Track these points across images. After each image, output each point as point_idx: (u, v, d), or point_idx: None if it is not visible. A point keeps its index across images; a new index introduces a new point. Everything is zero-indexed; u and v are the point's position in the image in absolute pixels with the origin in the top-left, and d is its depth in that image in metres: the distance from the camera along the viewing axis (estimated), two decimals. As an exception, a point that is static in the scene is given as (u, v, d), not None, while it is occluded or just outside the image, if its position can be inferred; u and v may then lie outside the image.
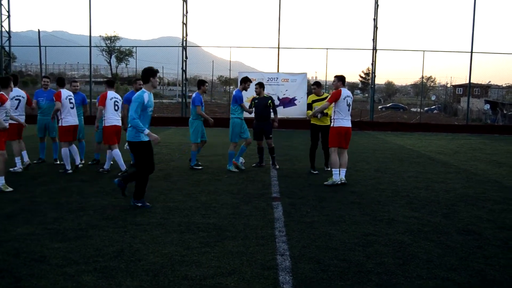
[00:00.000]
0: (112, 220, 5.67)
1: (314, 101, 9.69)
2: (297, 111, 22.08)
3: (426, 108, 57.05)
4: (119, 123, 8.90)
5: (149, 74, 6.29)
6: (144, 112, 6.17)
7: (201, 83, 9.84)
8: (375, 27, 23.28)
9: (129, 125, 6.13)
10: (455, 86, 71.59)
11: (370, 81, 26.20)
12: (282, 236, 5.17)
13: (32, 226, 5.35)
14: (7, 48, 25.08)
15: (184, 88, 25.21)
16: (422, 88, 42.41)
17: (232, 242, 4.92)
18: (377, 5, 23.24)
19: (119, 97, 9.05)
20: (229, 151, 9.57)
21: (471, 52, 23.05)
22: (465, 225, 5.81)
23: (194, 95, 9.75)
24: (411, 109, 60.45)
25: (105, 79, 9.70)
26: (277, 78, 21.88)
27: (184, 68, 24.29)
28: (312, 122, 9.75)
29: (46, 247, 4.63)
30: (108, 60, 72.39)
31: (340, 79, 8.19)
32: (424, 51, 23.95)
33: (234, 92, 9.59)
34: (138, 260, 4.34)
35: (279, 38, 23.82)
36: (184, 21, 23.80)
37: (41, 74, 28.86)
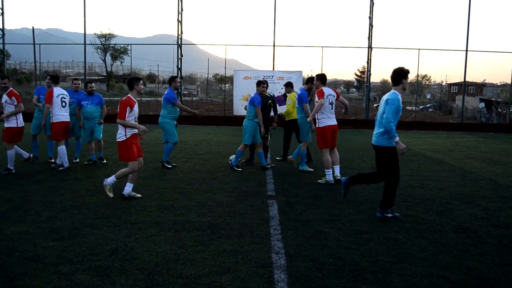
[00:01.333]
0: (106, 218, 5.65)
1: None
2: (292, 109, 22.06)
3: (421, 107, 57.22)
4: (67, 119, 8.92)
5: (401, 75, 5.83)
6: (397, 115, 5.83)
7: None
8: (371, 25, 23.29)
9: (381, 129, 5.83)
10: (450, 85, 71.77)
11: (365, 79, 26.22)
12: (277, 234, 5.16)
13: (26, 225, 5.32)
14: (1, 46, 24.92)
15: (179, 86, 25.13)
16: (417, 86, 42.51)
17: (227, 241, 4.91)
18: (373, 3, 23.24)
19: (66, 93, 9.03)
20: (301, 151, 9.50)
21: (466, 50, 23.09)
22: (460, 223, 5.82)
23: (253, 95, 9.42)
24: (406, 108, 60.45)
25: (51, 75, 9.42)
26: (273, 76, 21.83)
27: (179, 66, 24.22)
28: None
29: (40, 246, 4.60)
30: (103, 58, 72.17)
31: (319, 78, 8.20)
32: (419, 49, 23.93)
33: (299, 91, 9.43)
34: (132, 258, 4.32)
35: (274, 36, 23.69)
36: (179, 19, 23.72)
37: (35, 72, 28.71)
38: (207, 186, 7.77)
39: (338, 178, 8.09)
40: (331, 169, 8.11)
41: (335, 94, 8.24)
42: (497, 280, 4.07)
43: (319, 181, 8.12)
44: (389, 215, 5.95)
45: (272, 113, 9.81)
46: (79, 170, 8.94)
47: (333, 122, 8.12)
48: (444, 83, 75.77)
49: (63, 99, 8.80)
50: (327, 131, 8.03)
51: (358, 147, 14.21)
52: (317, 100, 8.00)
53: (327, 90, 8.06)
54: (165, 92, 9.64)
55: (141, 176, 8.43)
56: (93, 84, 10.07)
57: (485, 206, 6.80)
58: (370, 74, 24.22)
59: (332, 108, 8.12)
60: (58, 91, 8.78)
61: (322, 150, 8.15)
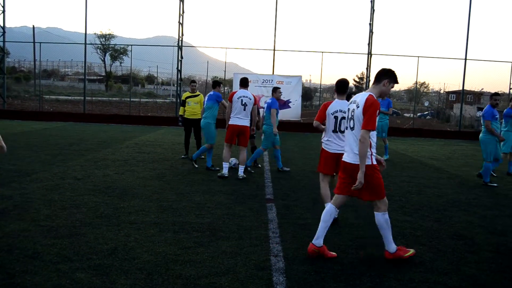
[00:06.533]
0: (105, 218, 5.66)
1: (188, 97, 11.20)
2: (291, 113, 22.10)
3: (419, 114, 57.42)
4: None
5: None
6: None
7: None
8: (371, 31, 23.39)
9: None
10: (448, 93, 72.11)
11: (364, 85, 26.30)
12: (276, 237, 5.19)
13: (25, 222, 5.33)
14: (1, 44, 24.90)
15: (178, 88, 25.15)
16: (416, 93, 42.66)
17: (226, 242, 4.93)
18: (373, 10, 23.35)
19: None
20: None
21: (465, 59, 23.21)
22: (457, 230, 5.86)
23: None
24: (404, 114, 60.80)
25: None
26: (272, 80, 21.89)
27: (179, 68, 24.25)
28: (185, 116, 11.24)
29: (40, 244, 4.61)
30: (102, 58, 72.17)
31: (241, 81, 9.03)
32: (418, 57, 24.08)
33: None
34: (132, 258, 4.34)
35: (275, 40, 23.81)
36: (180, 21, 23.76)
37: (34, 71, 28.67)
38: (206, 187, 7.79)
39: (241, 177, 8.69)
40: (227, 164, 8.92)
41: (250, 97, 8.85)
42: (493, 287, 4.10)
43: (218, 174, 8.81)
44: None
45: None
46: (78, 169, 8.94)
47: (242, 122, 8.74)
48: (442, 91, 76.13)
49: None
50: (234, 129, 8.73)
51: (356, 152, 14.21)
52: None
53: (239, 92, 8.77)
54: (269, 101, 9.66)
55: (139, 177, 8.45)
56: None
57: (482, 213, 6.84)
58: (369, 80, 24.29)
59: (244, 110, 8.71)
60: None
61: (225, 144, 8.93)
